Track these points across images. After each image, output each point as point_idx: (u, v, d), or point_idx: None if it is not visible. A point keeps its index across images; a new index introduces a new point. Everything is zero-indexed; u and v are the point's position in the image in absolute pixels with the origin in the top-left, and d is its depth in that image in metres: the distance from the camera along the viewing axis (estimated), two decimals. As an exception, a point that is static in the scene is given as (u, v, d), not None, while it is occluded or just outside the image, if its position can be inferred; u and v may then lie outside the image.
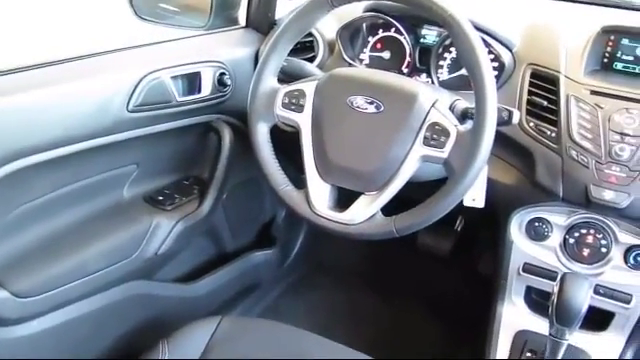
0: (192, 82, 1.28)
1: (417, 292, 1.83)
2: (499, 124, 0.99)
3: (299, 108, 1.08)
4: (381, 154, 1.01)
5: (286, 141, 1.10)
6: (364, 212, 1.02)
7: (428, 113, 0.99)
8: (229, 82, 1.34)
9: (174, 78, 1.23)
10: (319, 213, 1.05)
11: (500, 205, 1.20)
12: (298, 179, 1.10)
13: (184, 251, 1.46)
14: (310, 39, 1.36)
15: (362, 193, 1.04)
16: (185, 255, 1.50)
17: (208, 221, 1.43)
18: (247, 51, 1.41)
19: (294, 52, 1.32)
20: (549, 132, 1.10)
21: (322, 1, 1.04)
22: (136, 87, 1.16)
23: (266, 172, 1.10)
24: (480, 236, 1.70)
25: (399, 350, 1.64)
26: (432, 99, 1.00)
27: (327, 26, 1.35)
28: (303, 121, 1.07)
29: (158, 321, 1.42)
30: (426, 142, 0.98)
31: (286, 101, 1.08)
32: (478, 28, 1.14)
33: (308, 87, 1.08)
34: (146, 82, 1.17)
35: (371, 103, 1.02)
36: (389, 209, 1.03)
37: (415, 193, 1.00)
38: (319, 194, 1.06)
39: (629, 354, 1.20)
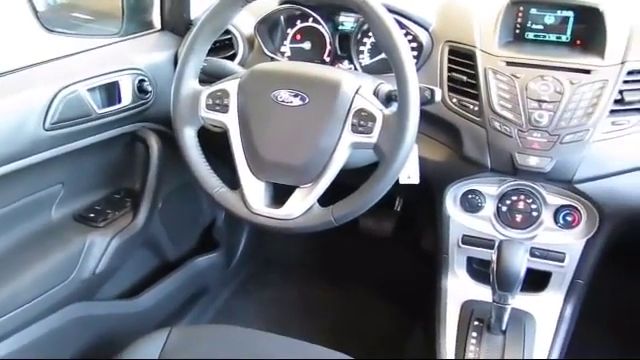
0: (111, 92, 1.23)
1: (365, 276, 1.86)
2: (423, 103, 1.00)
3: (224, 108, 1.06)
4: (311, 146, 1.01)
5: (216, 142, 1.08)
6: (301, 205, 1.02)
7: (353, 100, 0.99)
8: (150, 88, 1.31)
9: (91, 90, 1.19)
10: (256, 212, 1.04)
11: (433, 182, 1.22)
12: (234, 179, 1.08)
13: (124, 266, 1.42)
14: (229, 37, 1.34)
15: (297, 187, 1.04)
16: (126, 270, 1.45)
17: (145, 232, 1.40)
18: (165, 55, 1.38)
19: (213, 51, 1.30)
20: (472, 106, 1.13)
21: None
22: (51, 104, 1.11)
23: (197, 176, 1.08)
24: (420, 214, 1.73)
25: (355, 336, 1.66)
26: (355, 86, 1.01)
27: (244, 22, 1.34)
28: (230, 121, 1.06)
29: (105, 342, 1.37)
30: (354, 129, 0.99)
31: (210, 102, 1.06)
32: (393, 11, 1.16)
33: (231, 86, 1.06)
34: (61, 97, 1.12)
35: (296, 96, 1.01)
36: (326, 199, 1.03)
37: (351, 180, 1.01)
38: (254, 192, 1.05)
39: (568, 309, 1.25)
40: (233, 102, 1.06)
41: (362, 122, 0.98)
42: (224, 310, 1.80)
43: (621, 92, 1.07)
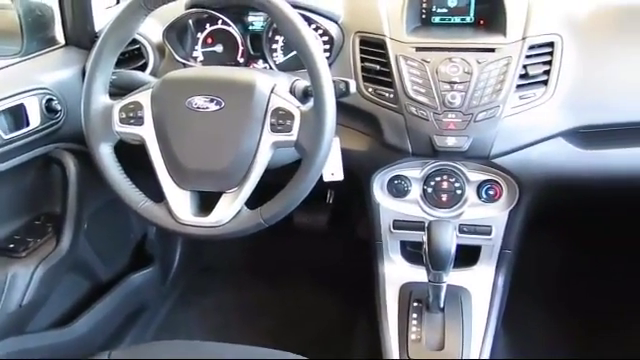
0: (17, 116, 1.17)
1: (306, 271, 1.86)
2: (339, 96, 1.02)
3: (139, 121, 1.03)
4: (232, 150, 1.00)
5: (137, 155, 1.05)
6: (229, 211, 1.01)
7: (269, 100, 0.99)
8: (59, 107, 1.25)
9: None
10: (184, 222, 1.02)
11: (359, 171, 1.24)
12: (160, 191, 1.06)
13: (54, 293, 1.36)
14: (137, 46, 1.31)
15: (223, 192, 1.03)
16: (56, 297, 1.39)
17: (72, 256, 1.34)
18: (72, 70, 1.33)
19: (123, 63, 1.27)
20: (387, 94, 1.15)
21: (136, 6, 1.00)
22: None
23: (119, 193, 1.05)
24: (352, 204, 1.75)
25: (301, 333, 1.66)
26: (270, 85, 1.00)
27: (152, 29, 1.30)
28: (146, 133, 1.03)
29: (42, 375, 1.32)
30: (273, 129, 0.99)
31: (123, 116, 1.03)
32: (299, 6, 1.16)
33: (143, 97, 1.04)
34: None
35: (211, 101, 1.00)
36: (255, 201, 1.03)
37: (279, 179, 1.01)
38: (180, 203, 1.03)
39: (500, 279, 1.30)
40: (147, 114, 1.03)
41: (280, 121, 0.98)
42: (165, 325, 1.76)
43: (525, 67, 1.11)
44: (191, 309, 1.82)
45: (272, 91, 1.00)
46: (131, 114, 1.03)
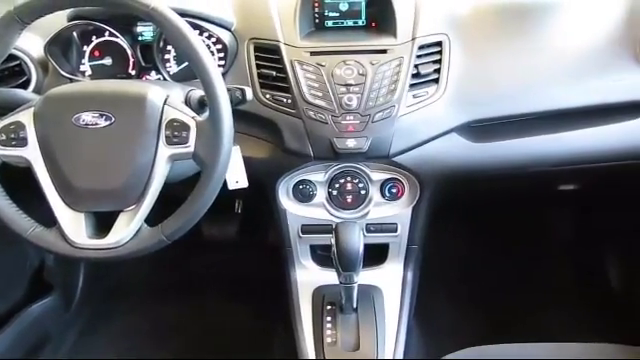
0: None
1: (219, 284, 1.83)
2: (235, 104, 1.00)
3: (21, 142, 0.97)
4: (127, 166, 0.96)
5: (24, 177, 0.98)
6: (128, 230, 0.96)
7: (162, 112, 0.96)
8: None
9: None
10: (80, 246, 0.97)
11: (263, 179, 1.23)
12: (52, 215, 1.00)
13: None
14: (17, 62, 1.22)
15: (120, 211, 0.98)
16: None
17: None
18: None
19: (1, 81, 1.19)
20: (285, 99, 1.15)
21: (8, 20, 0.93)
22: None
23: (5, 220, 0.98)
24: (261, 211, 1.74)
25: (219, 347, 1.62)
26: (162, 96, 0.97)
27: (32, 44, 1.22)
28: (31, 155, 0.97)
29: None
30: (169, 141, 0.95)
31: (3, 138, 0.97)
32: (189, 15, 1.14)
33: (25, 117, 0.97)
34: None
35: (100, 116, 0.95)
36: (157, 217, 0.99)
37: (181, 192, 0.98)
38: (74, 226, 0.98)
39: (409, 275, 1.33)
40: (31, 134, 0.97)
41: (176, 133, 0.95)
42: (72, 354, 1.66)
43: (416, 66, 1.15)
44: (99, 336, 1.73)
45: (165, 102, 0.97)
46: (12, 135, 0.96)
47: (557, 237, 1.88)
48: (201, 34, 1.19)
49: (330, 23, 1.27)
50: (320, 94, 1.13)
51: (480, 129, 1.20)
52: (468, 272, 1.81)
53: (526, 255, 1.83)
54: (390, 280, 1.32)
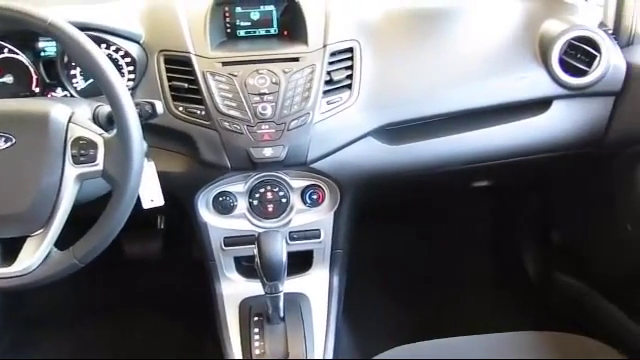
0: None
1: (146, 302, 1.77)
2: (145, 119, 0.98)
3: None
4: (31, 189, 0.91)
5: None
6: (36, 256, 0.92)
7: (67, 130, 0.92)
8: None
9: None
10: None
11: (181, 193, 1.21)
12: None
13: None
14: None
15: (27, 236, 0.93)
16: None
17: None
18: None
19: None
20: (198, 111, 1.13)
21: None
22: None
23: None
24: (184, 226, 1.70)
25: None
26: (67, 113, 0.93)
27: None
28: None
29: None
30: (76, 160, 0.92)
31: None
32: (92, 28, 1.10)
33: None
34: None
35: None
36: (70, 240, 0.95)
37: (93, 212, 0.94)
38: None
39: (335, 280, 1.34)
40: None
41: (83, 151, 0.91)
42: None
43: (329, 73, 1.16)
44: None
45: (70, 120, 0.93)
46: None
47: (475, 231, 1.95)
48: (108, 48, 1.16)
49: (242, 32, 1.26)
50: (234, 104, 1.12)
51: (395, 132, 1.23)
52: (393, 272, 1.85)
53: (448, 251, 1.89)
54: (316, 286, 1.32)
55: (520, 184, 1.72)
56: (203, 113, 1.13)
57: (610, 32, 1.27)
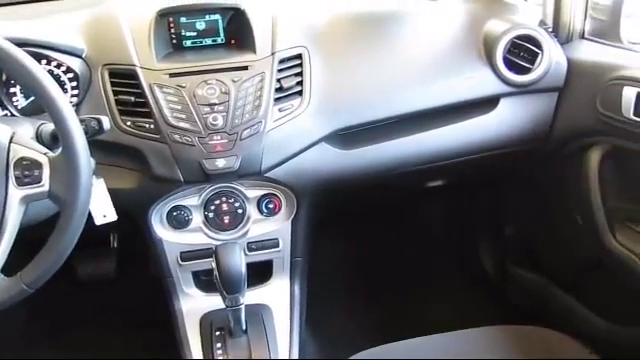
0: None
1: (105, 325, 1.72)
2: (91, 135, 0.95)
3: None
4: None
5: None
6: None
7: (9, 150, 0.88)
8: None
9: None
10: None
11: (134, 210, 1.18)
12: None
13: None
14: None
15: None
16: None
17: None
18: None
19: None
20: (147, 125, 1.10)
21: None
22: None
23: None
24: (138, 243, 1.66)
25: None
26: (8, 134, 0.89)
27: None
28: None
29: None
30: (20, 182, 0.88)
31: None
32: (31, 44, 1.06)
33: None
34: None
35: None
36: (20, 264, 0.90)
37: (43, 234, 0.90)
38: None
39: (296, 288, 1.33)
40: None
41: (27, 172, 0.88)
42: None
43: (279, 80, 1.15)
44: None
45: (11, 140, 0.89)
46: None
47: (433, 231, 1.98)
48: (48, 64, 1.12)
49: (188, 43, 1.24)
50: (184, 116, 1.10)
51: (348, 136, 1.23)
52: (355, 275, 1.85)
53: (407, 252, 1.90)
54: (278, 296, 1.31)
55: (473, 182, 1.75)
56: (152, 127, 1.10)
57: (550, 30, 1.31)
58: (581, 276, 1.47)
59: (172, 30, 1.22)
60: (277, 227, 1.25)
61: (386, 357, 1.26)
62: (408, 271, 1.86)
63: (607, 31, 1.29)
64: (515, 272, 1.72)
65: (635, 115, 1.13)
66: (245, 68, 1.14)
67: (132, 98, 1.11)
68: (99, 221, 1.06)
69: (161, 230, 1.21)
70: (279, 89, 1.15)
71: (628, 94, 1.13)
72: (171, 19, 1.21)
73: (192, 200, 1.19)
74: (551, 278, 1.59)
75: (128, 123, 1.11)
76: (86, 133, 0.91)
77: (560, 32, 1.31)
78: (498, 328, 1.32)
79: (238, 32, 1.23)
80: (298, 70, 1.18)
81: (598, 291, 1.43)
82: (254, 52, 1.17)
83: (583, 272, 1.46)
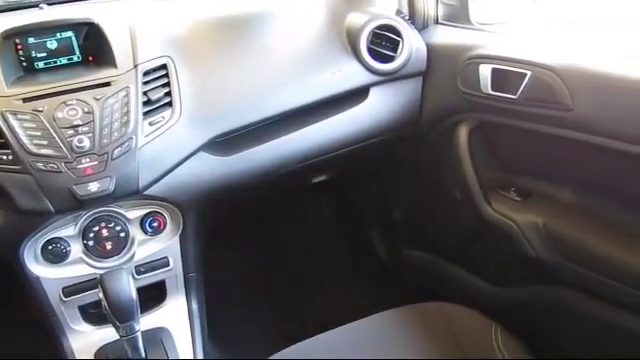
0: None
1: None
2: None
3: None
4: None
5: None
6: None
7: None
8: None
9: None
10: None
11: (2, 250, 1.08)
12: None
13: None
14: None
15: None
16: None
17: None
18: None
19: None
20: (5, 157, 1.01)
21: None
22: None
23: None
24: (12, 285, 1.53)
25: None
26: None
27: None
28: None
29: None
30: None
31: None
32: None
33: None
34: None
35: None
36: None
37: None
38: None
39: (194, 304, 1.29)
40: None
41: None
42: None
43: (145, 93, 1.10)
44: None
45: None
46: None
47: (325, 226, 2.00)
48: None
49: (41, 64, 1.14)
50: (45, 142, 1.02)
51: (226, 142, 1.21)
52: (253, 281, 1.83)
53: (303, 249, 1.91)
54: (175, 316, 1.26)
55: (357, 173, 1.79)
56: (10, 158, 1.01)
57: (407, 18, 1.37)
58: (466, 247, 1.55)
59: (20, 52, 1.13)
60: (165, 245, 1.20)
61: (291, 357, 1.25)
62: (306, 269, 1.87)
63: (458, 15, 1.38)
64: (408, 254, 1.78)
65: (493, 90, 1.21)
66: (107, 84, 1.08)
67: None
68: None
69: (36, 267, 1.12)
70: (147, 102, 1.10)
71: (484, 71, 1.21)
72: (17, 40, 1.12)
73: (68, 230, 1.11)
74: (439, 254, 1.67)
75: None
76: None
77: (416, 19, 1.38)
78: (398, 310, 1.35)
79: (95, 48, 1.16)
80: (165, 81, 1.13)
81: (482, 259, 1.51)
82: (115, 67, 1.11)
83: (467, 243, 1.54)
